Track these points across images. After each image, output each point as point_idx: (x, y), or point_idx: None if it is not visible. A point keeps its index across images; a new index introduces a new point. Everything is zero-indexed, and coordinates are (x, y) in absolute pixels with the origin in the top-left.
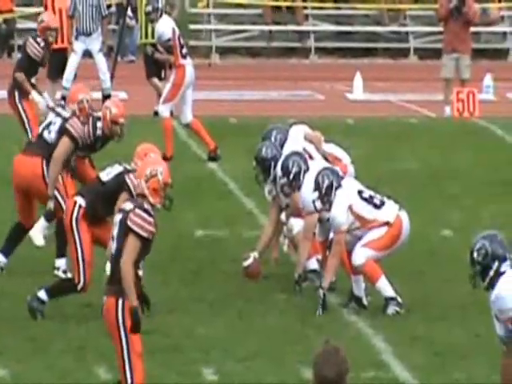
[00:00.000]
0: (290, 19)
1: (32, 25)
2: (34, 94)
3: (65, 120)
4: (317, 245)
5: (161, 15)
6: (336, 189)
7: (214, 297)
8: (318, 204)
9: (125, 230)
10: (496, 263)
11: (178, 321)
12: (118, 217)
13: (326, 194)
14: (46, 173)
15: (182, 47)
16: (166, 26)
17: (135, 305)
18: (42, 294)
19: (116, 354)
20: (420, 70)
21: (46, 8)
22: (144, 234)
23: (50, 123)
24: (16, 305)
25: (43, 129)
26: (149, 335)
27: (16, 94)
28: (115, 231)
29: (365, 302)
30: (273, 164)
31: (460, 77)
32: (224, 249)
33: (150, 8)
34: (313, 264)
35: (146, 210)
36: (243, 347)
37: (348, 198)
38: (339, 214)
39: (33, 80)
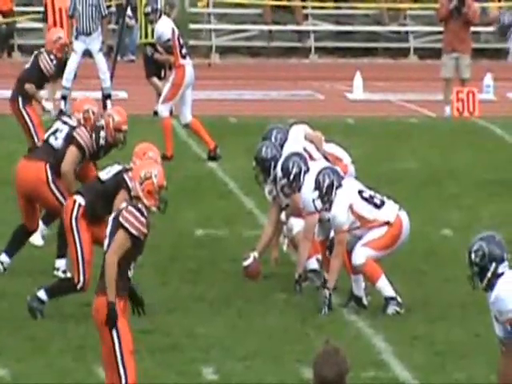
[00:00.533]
0: (290, 19)
1: (32, 24)
2: (44, 104)
3: (72, 128)
4: (317, 244)
5: (160, 16)
6: (336, 188)
7: (213, 296)
8: (318, 203)
9: (116, 225)
10: (493, 264)
11: (177, 320)
12: (112, 215)
13: (326, 194)
14: (49, 177)
15: (181, 47)
16: (165, 27)
17: (113, 300)
18: (42, 294)
19: (104, 353)
20: (420, 69)
21: (45, 7)
22: (134, 232)
23: (56, 130)
24: (16, 305)
25: (49, 135)
26: (149, 334)
27: (20, 99)
28: (108, 229)
29: (365, 301)
30: (273, 164)
31: (460, 76)
32: (224, 248)
33: (149, 9)
34: (313, 264)
35: (139, 210)
36: (243, 347)
37: (348, 197)
38: (340, 213)
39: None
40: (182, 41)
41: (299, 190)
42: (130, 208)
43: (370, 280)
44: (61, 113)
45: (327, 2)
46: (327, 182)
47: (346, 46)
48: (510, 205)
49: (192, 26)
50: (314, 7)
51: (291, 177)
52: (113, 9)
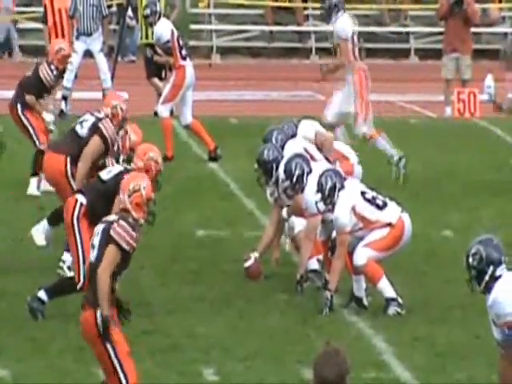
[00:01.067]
0: (291, 19)
1: (32, 25)
2: (44, 115)
3: (98, 119)
4: (318, 245)
5: (159, 18)
6: (339, 190)
7: (214, 297)
8: (321, 205)
9: (107, 239)
10: (491, 268)
11: (178, 321)
12: (100, 226)
13: (328, 196)
14: (68, 171)
15: (181, 48)
16: (164, 29)
17: (107, 314)
18: (42, 294)
19: (101, 364)
20: (421, 70)
21: (45, 8)
22: (125, 247)
23: (83, 120)
24: (16, 305)
25: (76, 124)
26: (149, 335)
27: (18, 106)
28: (96, 240)
29: (365, 302)
30: (274, 166)
31: (461, 77)
32: (225, 249)
33: (148, 11)
34: (313, 264)
35: (130, 224)
36: (244, 347)
37: (351, 199)
38: (342, 215)
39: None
40: (181, 42)
41: (302, 191)
42: (122, 222)
43: (371, 281)
44: (61, 113)
45: None
46: (329, 184)
47: None
48: (511, 206)
49: (193, 27)
50: (314, 8)
51: (294, 179)
52: (113, 9)
